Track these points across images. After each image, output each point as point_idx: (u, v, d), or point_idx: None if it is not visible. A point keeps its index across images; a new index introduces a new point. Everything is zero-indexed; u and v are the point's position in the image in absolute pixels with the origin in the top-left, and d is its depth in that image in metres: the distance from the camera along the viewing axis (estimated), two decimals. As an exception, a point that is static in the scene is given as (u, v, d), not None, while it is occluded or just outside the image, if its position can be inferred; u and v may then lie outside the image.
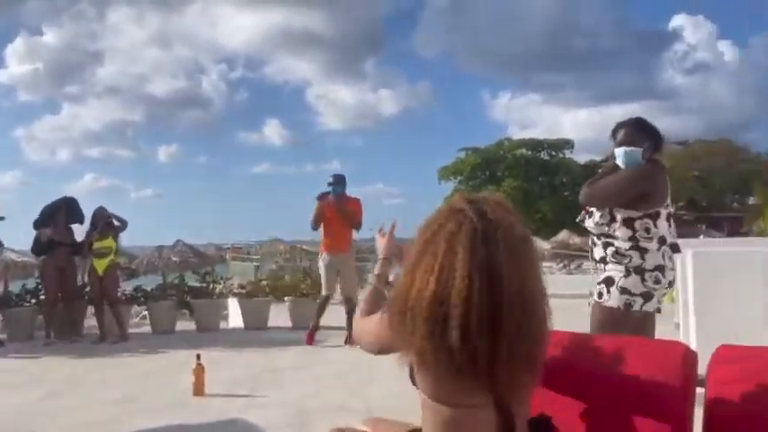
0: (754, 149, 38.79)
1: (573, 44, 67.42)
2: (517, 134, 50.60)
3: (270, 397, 4.68)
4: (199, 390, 4.70)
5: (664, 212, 2.91)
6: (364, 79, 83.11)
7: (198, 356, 4.80)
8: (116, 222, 7.91)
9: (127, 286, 8.97)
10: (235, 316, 8.94)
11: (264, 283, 9.08)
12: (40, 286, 8.09)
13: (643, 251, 2.85)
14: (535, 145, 33.77)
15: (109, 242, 7.71)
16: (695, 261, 3.88)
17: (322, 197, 6.87)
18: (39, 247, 7.79)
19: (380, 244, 1.94)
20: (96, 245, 7.62)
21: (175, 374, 5.45)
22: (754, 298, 3.50)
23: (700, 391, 1.65)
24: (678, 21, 75.82)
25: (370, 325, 1.63)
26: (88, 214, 7.94)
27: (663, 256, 2.89)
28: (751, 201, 31.26)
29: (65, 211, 7.92)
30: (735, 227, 28.27)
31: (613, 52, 65.89)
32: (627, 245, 2.87)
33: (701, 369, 1.66)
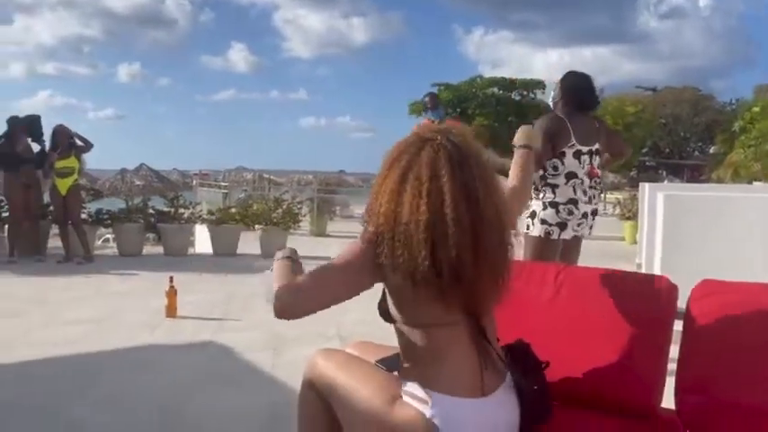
0: (720, 99, 39.38)
1: (549, -19, 66.29)
2: (488, 72, 50.22)
3: (243, 321, 4.73)
4: (171, 311, 4.72)
5: (569, 151, 3.25)
6: (334, 5, 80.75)
7: (171, 279, 4.79)
8: (79, 143, 7.65)
9: (90, 208, 8.77)
10: (203, 242, 8.89)
11: (234, 210, 9.01)
12: (2, 203, 7.87)
13: (553, 186, 3.27)
14: (507, 85, 33.53)
15: (72, 162, 7.47)
16: (666, 203, 3.97)
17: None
18: (7, 162, 7.48)
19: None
20: (59, 164, 7.38)
21: (146, 296, 5.44)
22: (722, 241, 3.62)
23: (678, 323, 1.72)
24: (657, -36, 74.93)
25: (328, 273, 1.53)
26: (46, 133, 7.66)
27: (574, 190, 3.27)
28: (712, 150, 31.97)
29: (27, 128, 7.63)
30: (695, 174, 29.02)
31: (589, -7, 65.14)
32: (540, 182, 3.31)
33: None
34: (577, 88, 3.39)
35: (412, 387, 1.50)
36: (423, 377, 1.49)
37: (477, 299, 1.47)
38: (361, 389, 1.58)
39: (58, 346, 4.01)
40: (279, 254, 1.73)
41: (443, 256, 1.39)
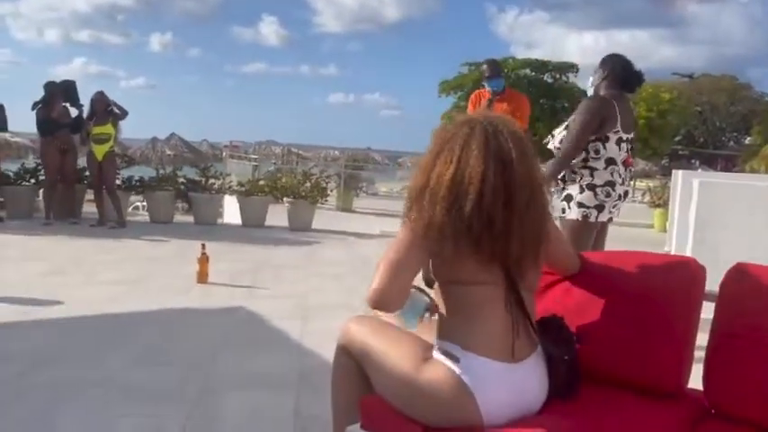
0: (758, 88, 38.33)
1: (589, -38, 64.76)
2: (521, 53, 49.38)
3: (271, 290, 4.83)
4: (203, 277, 4.83)
5: (613, 137, 3.23)
6: (368, -21, 79.95)
7: (203, 246, 4.90)
8: (116, 110, 7.80)
9: (123, 175, 8.94)
10: (231, 213, 9.02)
11: (263, 182, 9.11)
12: (39, 166, 8.07)
13: (592, 170, 3.25)
14: (539, 66, 32.99)
15: (108, 128, 7.62)
16: (700, 190, 3.93)
17: (477, 97, 5.24)
18: (44, 127, 7.66)
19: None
20: (96, 130, 7.54)
21: (177, 262, 5.57)
22: (756, 231, 3.58)
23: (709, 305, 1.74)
24: (701, -54, 72.58)
25: (391, 264, 1.54)
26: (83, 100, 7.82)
27: (611, 174, 3.26)
28: (747, 140, 31.22)
29: (64, 93, 7.78)
30: (728, 165, 28.40)
31: (629, -26, 63.50)
32: (579, 164, 3.27)
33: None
34: (621, 69, 3.33)
35: (444, 345, 1.56)
36: (456, 336, 1.54)
37: (511, 256, 1.52)
38: (393, 351, 1.63)
39: (95, 304, 4.16)
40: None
41: (473, 211, 1.48)
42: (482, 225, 1.49)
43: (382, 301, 1.54)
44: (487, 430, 1.47)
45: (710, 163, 29.43)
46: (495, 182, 1.49)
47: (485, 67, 5.09)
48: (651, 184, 14.63)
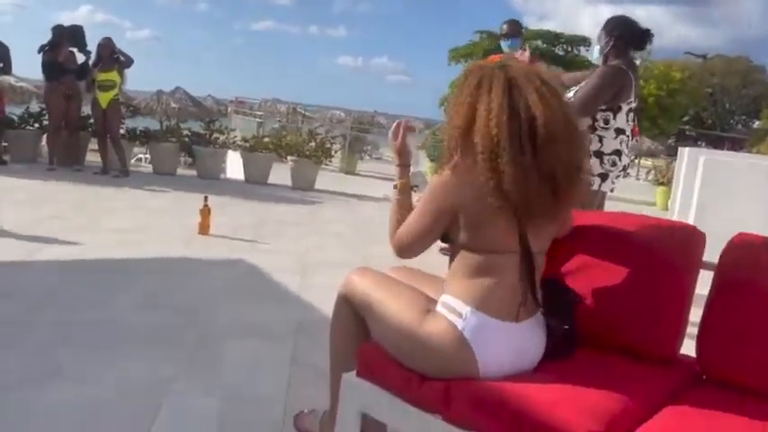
0: (771, 72, 37.82)
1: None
2: (533, 24, 48.51)
3: (271, 245, 4.85)
4: (204, 229, 4.86)
5: (625, 108, 3.16)
6: (381, -61, 78.19)
7: (205, 198, 4.91)
8: (121, 57, 7.72)
9: (127, 125, 8.90)
10: (234, 168, 9.02)
11: (268, 139, 9.07)
12: (43, 111, 8.03)
13: (601, 137, 3.17)
14: (552, 38, 32.50)
15: (113, 75, 7.55)
16: (705, 167, 3.93)
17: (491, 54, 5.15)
18: (50, 70, 7.59)
19: (395, 148, 1.82)
20: (101, 77, 7.47)
21: (180, 213, 5.60)
22: (758, 209, 3.59)
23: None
24: None
25: (421, 209, 1.61)
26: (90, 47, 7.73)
27: (620, 143, 3.20)
28: (756, 124, 30.97)
29: (71, 37, 7.69)
30: (735, 148, 28.19)
31: (650, -53, 62.03)
32: (587, 131, 3.16)
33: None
34: (628, 31, 3.19)
35: (448, 299, 1.57)
36: (463, 292, 1.55)
37: (535, 212, 1.50)
38: (395, 303, 1.65)
39: (98, 249, 4.20)
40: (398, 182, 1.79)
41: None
42: (490, 160, 1.46)
43: (403, 254, 1.66)
44: (483, 380, 1.50)
45: (717, 145, 29.16)
46: (506, 130, 1.46)
47: (504, 25, 4.75)
48: (656, 163, 14.57)
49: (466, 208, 1.53)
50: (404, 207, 1.72)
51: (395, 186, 1.77)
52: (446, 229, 1.59)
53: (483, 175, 1.48)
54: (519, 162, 1.46)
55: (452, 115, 1.56)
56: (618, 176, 3.29)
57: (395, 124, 1.84)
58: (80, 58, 7.77)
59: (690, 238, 1.78)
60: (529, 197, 1.47)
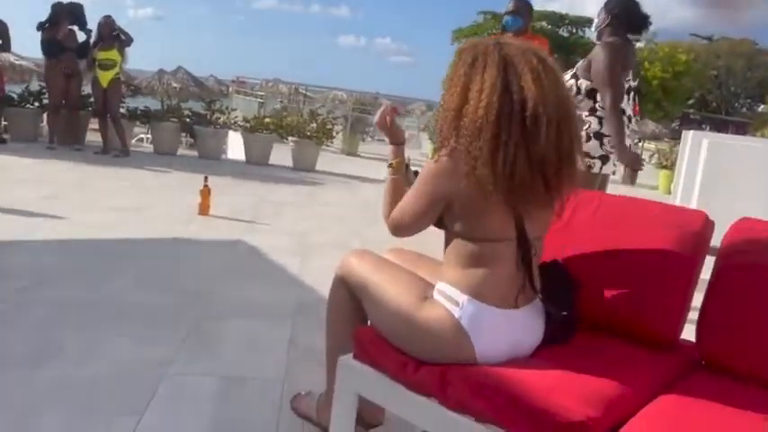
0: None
1: None
2: (539, 5, 48.06)
3: (271, 226, 4.84)
4: (204, 209, 4.84)
5: (624, 86, 3.10)
6: None
7: (206, 178, 4.89)
8: (122, 36, 7.65)
9: (128, 104, 8.86)
10: (235, 149, 8.98)
11: (268, 120, 9.02)
12: (43, 90, 7.98)
13: (601, 119, 3.10)
14: (557, 19, 32.23)
15: (114, 54, 7.49)
16: (709, 150, 3.89)
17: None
18: (49, 48, 7.52)
19: (386, 130, 1.78)
20: (101, 55, 7.42)
21: (180, 193, 5.58)
22: (763, 194, 3.56)
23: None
24: None
25: (416, 191, 1.57)
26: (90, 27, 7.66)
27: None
28: (761, 108, 30.76)
29: (70, 15, 7.61)
30: (739, 132, 28.07)
31: (658, -72, 61.13)
32: (587, 113, 3.13)
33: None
34: (626, 13, 3.16)
35: (445, 287, 1.54)
36: (459, 280, 1.52)
37: (525, 198, 1.47)
38: (392, 287, 1.63)
39: (97, 228, 4.19)
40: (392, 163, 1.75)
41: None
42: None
43: (398, 233, 1.64)
44: (480, 365, 1.49)
45: (721, 129, 29.02)
46: (497, 110, 1.41)
47: (511, 3, 4.47)
48: (660, 146, 14.49)
49: (460, 197, 1.49)
50: (398, 187, 1.68)
51: (389, 165, 1.73)
52: (441, 214, 1.57)
53: (465, 161, 1.43)
54: (501, 143, 1.41)
55: (446, 98, 1.52)
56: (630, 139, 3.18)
57: (380, 110, 1.80)
58: (80, 36, 7.72)
59: (698, 226, 1.75)
60: (514, 183, 1.42)
